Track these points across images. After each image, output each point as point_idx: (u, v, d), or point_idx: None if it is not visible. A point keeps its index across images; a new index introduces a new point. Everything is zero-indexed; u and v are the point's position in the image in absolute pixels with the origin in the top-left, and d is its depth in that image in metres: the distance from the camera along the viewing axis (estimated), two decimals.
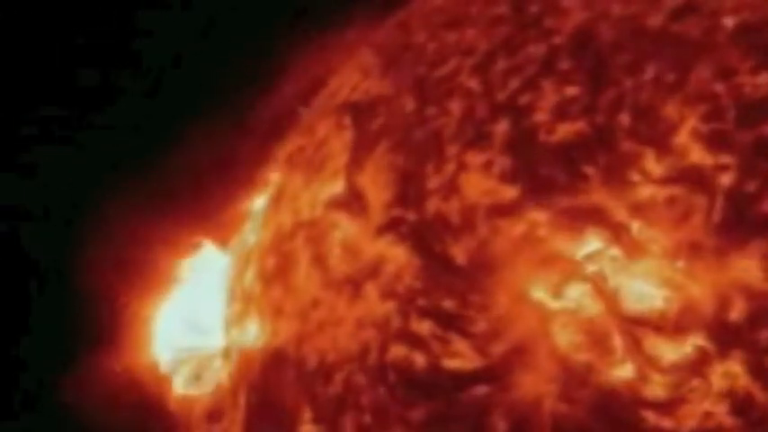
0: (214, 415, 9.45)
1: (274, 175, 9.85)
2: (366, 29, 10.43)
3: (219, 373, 9.60)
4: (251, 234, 9.82)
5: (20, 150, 12.30)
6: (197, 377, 9.84)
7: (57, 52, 12.41)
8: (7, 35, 12.38)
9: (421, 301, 8.01)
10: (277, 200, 9.60)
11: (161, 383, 10.01)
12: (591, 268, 7.59)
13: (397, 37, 9.86)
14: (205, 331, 9.90)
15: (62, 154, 12.12)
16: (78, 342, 11.10)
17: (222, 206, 10.33)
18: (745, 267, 7.37)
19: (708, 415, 7.32)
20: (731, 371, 7.32)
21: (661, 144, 7.74)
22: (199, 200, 10.67)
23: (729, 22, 8.20)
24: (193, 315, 10.02)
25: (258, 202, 9.99)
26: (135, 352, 10.23)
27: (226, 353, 9.50)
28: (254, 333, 9.13)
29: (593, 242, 7.65)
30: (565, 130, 7.99)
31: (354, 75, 9.77)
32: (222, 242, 10.25)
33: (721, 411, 7.31)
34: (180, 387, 9.92)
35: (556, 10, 8.79)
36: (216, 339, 9.76)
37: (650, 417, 7.40)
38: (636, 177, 7.71)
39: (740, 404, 7.29)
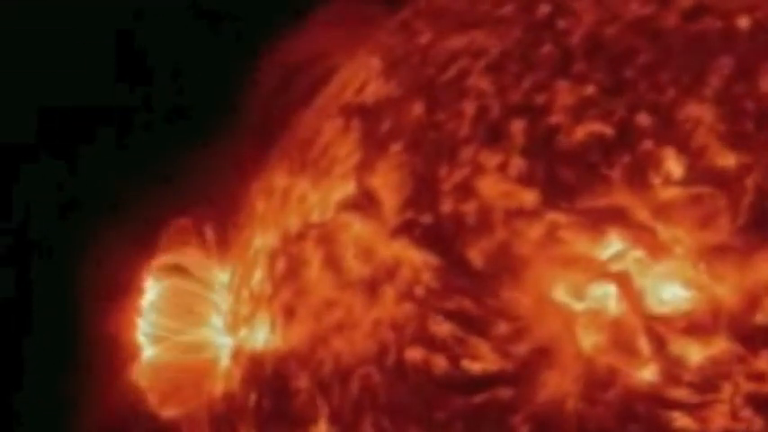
0: (222, 420, 9.35)
1: (277, 178, 9.77)
2: (367, 28, 10.36)
3: (226, 377, 9.51)
4: (255, 237, 9.73)
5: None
6: (198, 382, 9.76)
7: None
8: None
9: (439, 304, 7.96)
10: (282, 202, 9.51)
11: (162, 389, 9.92)
12: (615, 269, 7.57)
13: (401, 37, 9.79)
14: (206, 334, 9.82)
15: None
16: (76, 348, 11.02)
17: (223, 208, 10.25)
18: None
19: (735, 417, 7.31)
20: (759, 372, 7.31)
21: (682, 145, 7.73)
22: (199, 202, 10.57)
23: (744, 21, 8.21)
24: (193, 317, 9.94)
25: (261, 204, 9.91)
26: (132, 356, 10.12)
27: (234, 356, 9.41)
28: (264, 335, 9.05)
29: (615, 243, 7.62)
30: (583, 132, 7.97)
31: (358, 76, 9.70)
32: (223, 244, 10.17)
33: (749, 413, 7.30)
34: (181, 392, 9.83)
35: (567, 11, 8.76)
36: (218, 342, 9.69)
37: (676, 418, 7.38)
38: (657, 178, 7.70)
39: None
